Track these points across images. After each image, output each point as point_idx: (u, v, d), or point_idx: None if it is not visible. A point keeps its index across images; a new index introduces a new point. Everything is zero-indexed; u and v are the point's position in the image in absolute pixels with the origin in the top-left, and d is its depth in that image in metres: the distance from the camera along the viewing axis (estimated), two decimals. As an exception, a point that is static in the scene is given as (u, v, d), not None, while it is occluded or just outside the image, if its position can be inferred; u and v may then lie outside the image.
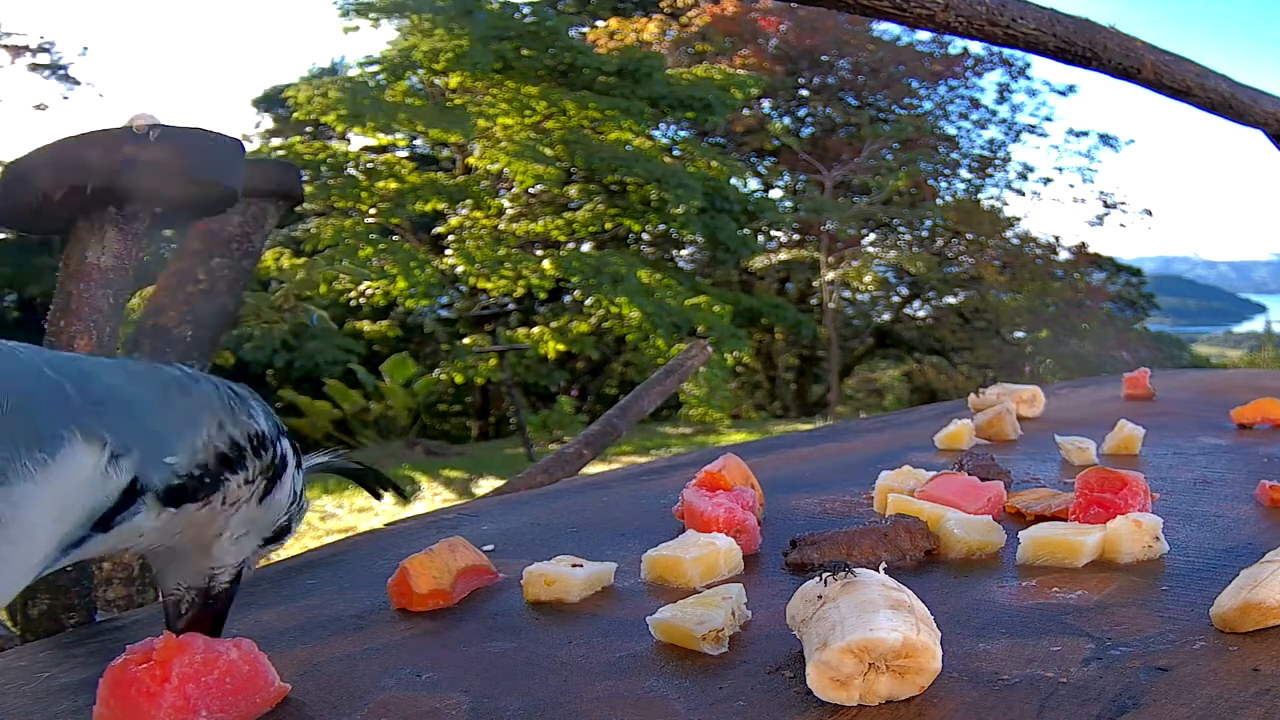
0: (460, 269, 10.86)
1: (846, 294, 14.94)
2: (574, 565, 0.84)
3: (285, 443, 0.66)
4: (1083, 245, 15.45)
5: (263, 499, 0.64)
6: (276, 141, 13.37)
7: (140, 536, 0.59)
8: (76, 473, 0.52)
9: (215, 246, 1.40)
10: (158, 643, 0.63)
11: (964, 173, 15.85)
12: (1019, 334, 15.18)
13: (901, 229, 15.45)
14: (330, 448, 0.82)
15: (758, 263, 14.32)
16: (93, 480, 0.53)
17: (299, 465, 0.68)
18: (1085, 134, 15.98)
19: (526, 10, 11.69)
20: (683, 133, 13.53)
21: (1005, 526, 0.90)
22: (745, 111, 14.34)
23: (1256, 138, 1.84)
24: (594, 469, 1.67)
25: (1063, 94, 16.66)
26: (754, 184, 14.79)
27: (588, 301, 10.83)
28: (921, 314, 15.95)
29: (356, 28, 11.76)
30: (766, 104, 15.22)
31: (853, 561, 0.74)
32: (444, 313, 13.39)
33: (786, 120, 15.38)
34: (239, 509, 0.63)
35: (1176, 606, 0.71)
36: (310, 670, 0.72)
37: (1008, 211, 15.97)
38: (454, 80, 11.34)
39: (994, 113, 15.71)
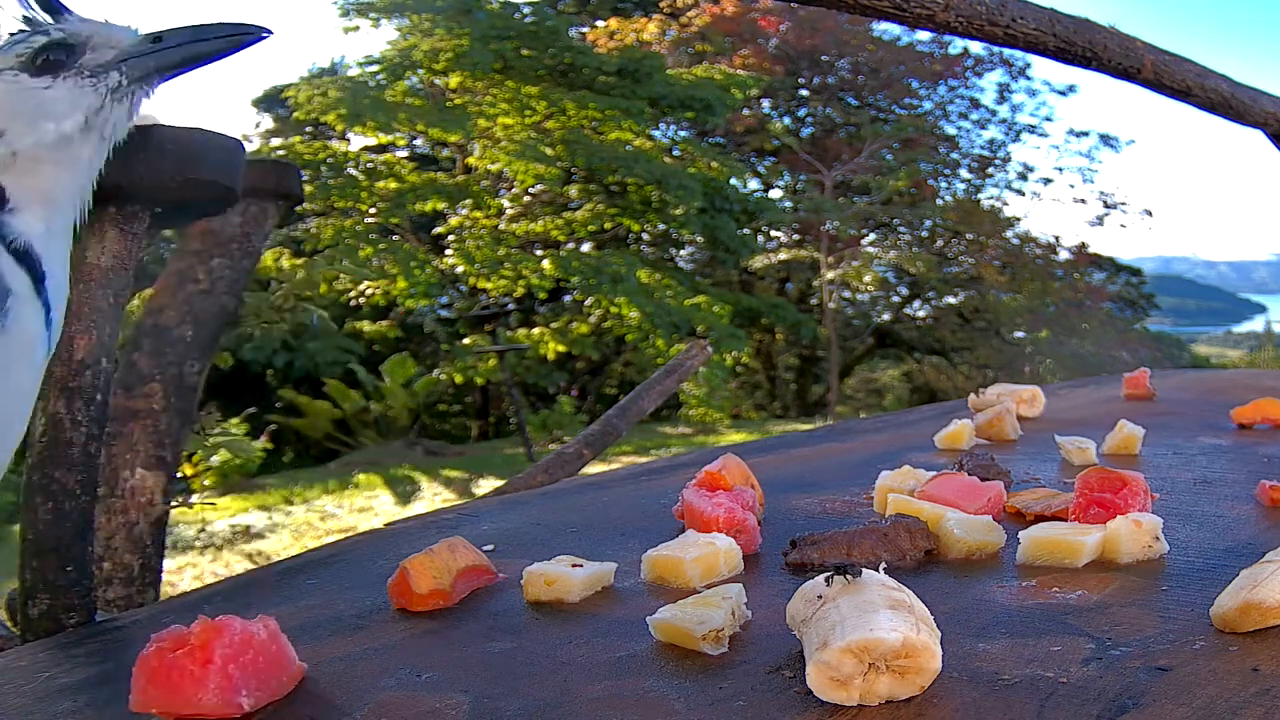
0: (460, 269, 10.85)
1: (846, 294, 14.93)
2: (574, 565, 0.84)
3: None
4: (1083, 245, 15.45)
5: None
6: (276, 141, 13.37)
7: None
8: None
9: (215, 246, 1.40)
10: (194, 628, 0.63)
11: (964, 173, 15.85)
12: (1019, 334, 15.17)
13: (901, 229, 15.45)
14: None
15: (758, 263, 14.32)
16: None
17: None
18: (1085, 134, 15.99)
19: (526, 10, 11.68)
20: (683, 133, 13.52)
21: (1005, 526, 0.90)
22: (745, 111, 14.34)
23: (1256, 138, 1.84)
24: (594, 469, 1.67)
25: (1063, 94, 16.66)
26: (754, 184, 14.79)
27: (588, 302, 10.83)
28: (921, 314, 15.94)
29: (356, 28, 11.76)
30: (766, 104, 15.22)
31: (852, 562, 0.74)
32: (444, 313, 13.38)
33: (786, 120, 15.38)
34: None
35: (1176, 606, 0.71)
36: (310, 670, 0.72)
37: (1008, 211, 15.98)
38: (454, 80, 11.33)
39: (994, 113, 15.73)
